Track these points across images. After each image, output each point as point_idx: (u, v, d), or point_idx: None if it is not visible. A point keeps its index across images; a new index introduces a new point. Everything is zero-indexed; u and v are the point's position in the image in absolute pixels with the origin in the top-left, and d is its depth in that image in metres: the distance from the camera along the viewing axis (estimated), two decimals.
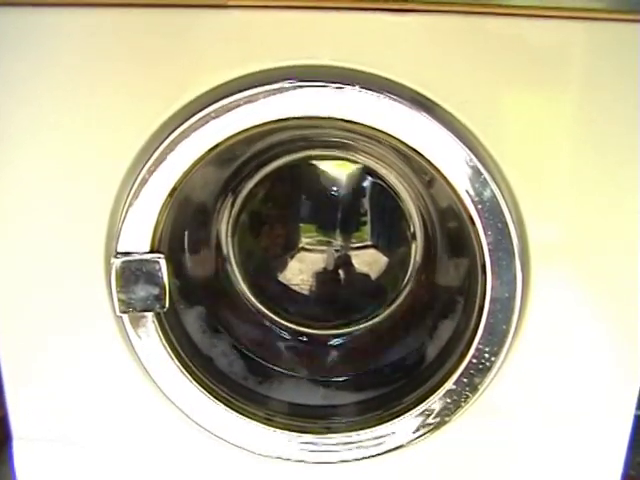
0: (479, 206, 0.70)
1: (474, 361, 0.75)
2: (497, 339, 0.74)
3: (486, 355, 0.75)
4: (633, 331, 0.76)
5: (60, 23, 0.69)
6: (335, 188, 0.87)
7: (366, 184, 0.86)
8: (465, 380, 0.76)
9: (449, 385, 0.76)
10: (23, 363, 0.81)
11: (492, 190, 0.70)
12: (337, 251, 0.90)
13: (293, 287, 0.90)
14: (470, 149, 0.69)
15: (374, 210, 0.88)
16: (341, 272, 0.90)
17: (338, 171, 0.85)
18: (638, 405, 0.80)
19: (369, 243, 0.89)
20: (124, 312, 0.75)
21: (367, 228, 0.89)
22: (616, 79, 0.68)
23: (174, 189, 0.72)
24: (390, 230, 0.89)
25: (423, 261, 0.87)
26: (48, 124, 0.72)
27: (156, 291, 0.75)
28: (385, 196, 0.85)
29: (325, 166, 0.85)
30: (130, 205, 0.72)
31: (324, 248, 0.90)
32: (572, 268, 0.74)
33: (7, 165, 0.74)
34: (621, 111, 0.69)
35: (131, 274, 0.74)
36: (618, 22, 0.66)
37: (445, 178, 0.70)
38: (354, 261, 0.89)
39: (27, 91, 0.71)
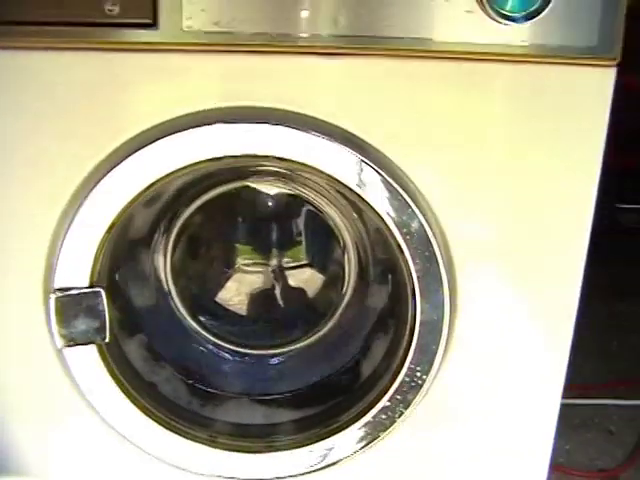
0: (407, 237, 0.74)
1: (407, 379, 0.80)
2: (427, 358, 0.79)
3: (418, 374, 0.79)
4: (559, 339, 0.82)
5: None
6: (270, 213, 0.89)
7: (301, 211, 0.89)
8: (399, 397, 0.80)
9: (384, 402, 0.81)
10: None
11: (419, 221, 0.73)
12: (273, 272, 0.92)
13: (231, 308, 0.92)
14: (398, 183, 0.72)
15: (309, 235, 0.91)
16: (277, 292, 0.93)
17: (273, 197, 0.88)
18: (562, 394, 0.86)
19: (304, 264, 0.93)
20: (66, 346, 0.77)
21: (302, 251, 0.93)
22: (543, 116, 0.73)
23: (112, 226, 0.73)
24: (325, 254, 0.92)
25: (356, 284, 0.90)
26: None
27: (97, 324, 0.77)
28: (319, 222, 0.88)
29: (260, 193, 0.87)
30: (66, 242, 0.73)
31: (260, 269, 0.93)
32: (498, 293, 0.79)
33: None
34: (548, 144, 0.74)
35: (71, 309, 0.75)
36: (541, 64, 0.71)
37: (375, 211, 0.73)
38: (290, 282, 0.93)
39: None
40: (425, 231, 0.74)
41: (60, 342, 0.76)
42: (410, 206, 0.73)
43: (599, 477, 1.28)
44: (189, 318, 0.90)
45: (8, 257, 0.76)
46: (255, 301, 0.93)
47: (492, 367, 0.83)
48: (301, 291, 0.93)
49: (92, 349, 0.77)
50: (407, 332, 0.78)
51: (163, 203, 0.83)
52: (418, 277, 0.75)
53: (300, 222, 0.91)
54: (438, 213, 0.75)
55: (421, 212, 0.73)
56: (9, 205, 0.74)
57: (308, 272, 0.93)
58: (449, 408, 0.84)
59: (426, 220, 0.74)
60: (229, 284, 0.92)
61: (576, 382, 1.42)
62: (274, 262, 0.93)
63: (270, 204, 0.88)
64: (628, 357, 1.58)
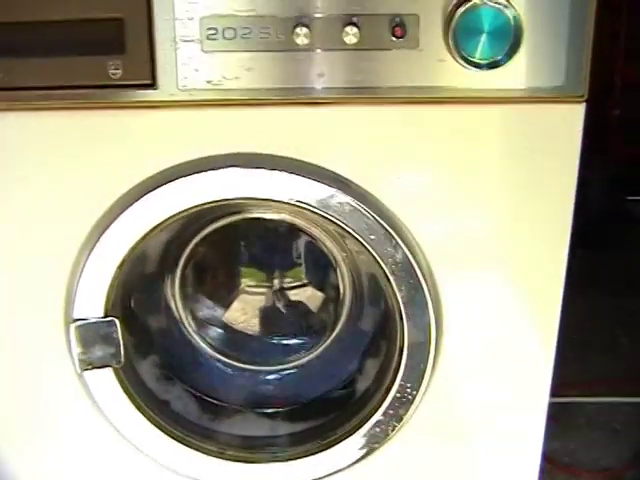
0: (392, 266, 0.80)
1: (398, 395, 0.86)
2: (417, 375, 0.85)
3: (408, 390, 0.86)
4: (543, 346, 0.87)
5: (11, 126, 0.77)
6: (269, 238, 0.96)
7: (297, 235, 0.96)
8: (391, 412, 0.87)
9: (377, 417, 0.87)
10: None
11: (404, 252, 0.79)
12: (275, 292, 0.99)
13: (237, 327, 1.00)
14: (383, 219, 0.78)
15: (307, 257, 0.98)
16: (279, 311, 1.00)
17: (270, 224, 0.94)
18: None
19: (304, 284, 0.99)
20: (84, 370, 0.85)
21: (301, 272, 0.99)
22: (517, 154, 0.78)
23: (122, 262, 0.80)
24: (322, 275, 0.99)
25: (351, 305, 0.97)
26: (11, 207, 0.80)
27: (112, 350, 0.85)
28: (314, 246, 0.95)
29: (259, 220, 0.93)
30: (83, 278, 0.81)
31: (263, 290, 1.00)
32: (482, 311, 0.85)
33: None
34: (523, 175, 0.79)
35: (89, 337, 0.83)
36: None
37: (362, 243, 0.79)
38: (290, 301, 1.00)
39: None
40: (409, 261, 0.79)
41: (80, 366, 0.84)
42: (395, 238, 0.79)
43: (604, 476, 1.30)
44: (198, 338, 0.98)
45: (32, 291, 0.84)
46: (259, 320, 1.00)
47: (480, 380, 0.89)
48: (301, 310, 1.00)
49: (109, 371, 0.85)
50: (397, 352, 0.85)
51: (170, 236, 0.90)
52: (404, 303, 0.81)
53: (297, 246, 0.98)
54: (423, 246, 0.81)
55: (405, 244, 0.79)
56: (33, 245, 0.82)
57: (308, 291, 1.00)
58: (440, 420, 0.90)
59: (410, 251, 0.80)
60: (234, 305, 1.00)
61: (580, 380, 1.46)
62: (275, 282, 1.00)
63: (268, 230, 0.95)
64: (636, 354, 1.57)
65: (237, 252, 0.99)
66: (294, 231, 0.95)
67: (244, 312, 0.99)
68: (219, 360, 0.97)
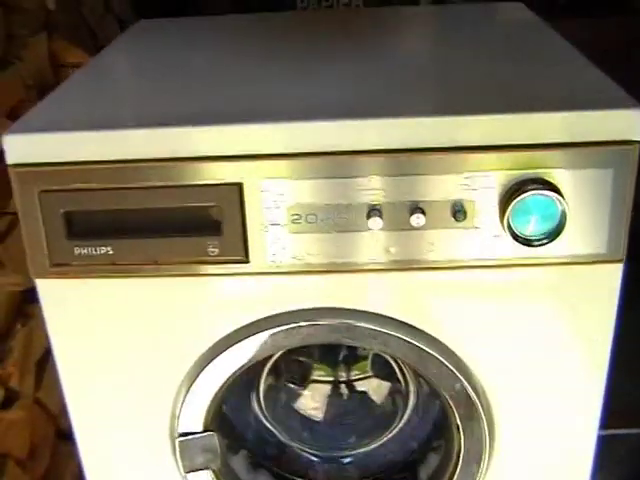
0: (451, 393, 0.93)
1: None
2: (471, 472, 0.99)
3: None
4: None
5: (110, 294, 0.90)
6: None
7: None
8: None
9: None
10: None
11: (462, 383, 0.92)
12: (344, 383, 1.13)
13: (308, 415, 1.14)
14: (445, 357, 0.91)
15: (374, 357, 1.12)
16: (347, 401, 1.14)
17: None
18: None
19: (371, 375, 1.13)
20: (188, 472, 1.00)
21: (368, 365, 1.13)
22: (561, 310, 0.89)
23: (220, 389, 0.94)
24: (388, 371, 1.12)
25: (416, 399, 1.10)
26: (128, 349, 0.94)
27: (211, 456, 1.00)
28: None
29: None
30: (185, 402, 0.95)
31: (332, 379, 1.14)
32: (531, 423, 0.98)
33: (94, 381, 0.96)
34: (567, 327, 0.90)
35: (191, 448, 0.98)
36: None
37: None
38: (357, 391, 1.13)
39: (108, 334, 0.93)
40: (467, 392, 0.92)
41: (183, 470, 0.99)
42: (454, 372, 0.91)
43: None
44: (277, 431, 1.13)
45: (144, 412, 0.99)
46: (328, 409, 1.14)
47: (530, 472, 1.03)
48: (368, 400, 1.14)
49: (208, 472, 1.01)
50: (454, 453, 0.98)
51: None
52: (461, 420, 0.94)
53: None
54: (477, 373, 0.93)
55: (463, 376, 0.92)
56: (144, 377, 0.96)
57: (374, 382, 1.14)
58: None
59: (468, 382, 0.92)
60: (305, 393, 1.14)
61: (622, 409, 1.49)
62: (343, 374, 1.14)
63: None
64: None
65: (310, 353, 1.12)
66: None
67: (314, 400, 1.14)
68: (297, 447, 1.12)
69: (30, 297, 1.24)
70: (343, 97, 0.89)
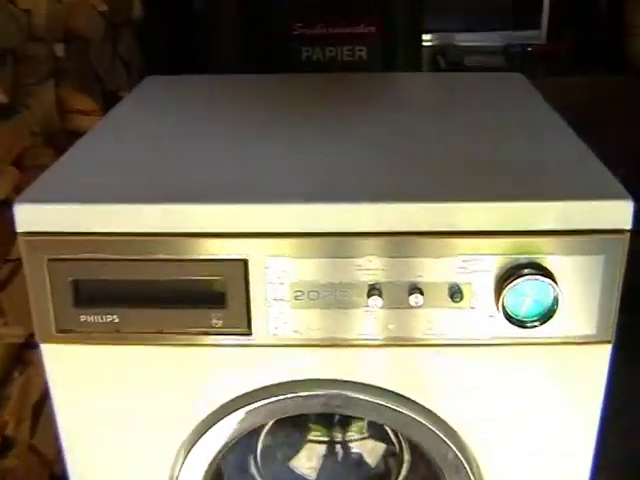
0: (444, 462, 0.95)
1: None
2: None
3: None
4: None
5: (114, 360, 0.92)
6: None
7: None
8: None
9: None
10: None
11: (455, 453, 0.94)
12: (339, 443, 1.15)
13: (303, 474, 1.16)
14: (439, 429, 0.93)
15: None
16: (342, 461, 1.16)
17: None
18: None
19: (366, 437, 1.15)
20: None
21: (364, 427, 1.15)
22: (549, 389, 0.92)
23: (218, 453, 0.96)
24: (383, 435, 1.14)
25: (411, 460, 1.13)
26: (132, 414, 0.96)
27: None
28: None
29: None
30: (183, 469, 0.97)
31: (327, 440, 1.16)
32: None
33: (94, 443, 0.98)
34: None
35: None
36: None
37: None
38: (353, 452, 1.16)
39: (110, 397, 0.95)
40: (460, 461, 0.94)
41: None
42: (448, 444, 0.94)
43: None
44: None
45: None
46: (323, 468, 1.16)
47: None
48: (363, 460, 1.15)
49: None
50: None
51: None
52: None
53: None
54: (469, 444, 0.96)
55: (456, 447, 0.94)
56: (143, 440, 0.98)
57: (370, 444, 1.16)
58: None
59: (460, 452, 0.94)
60: (301, 453, 1.16)
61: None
62: (339, 435, 1.16)
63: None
64: None
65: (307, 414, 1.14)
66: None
67: (310, 460, 1.16)
68: None
69: (29, 344, 1.26)
70: (343, 178, 0.92)
